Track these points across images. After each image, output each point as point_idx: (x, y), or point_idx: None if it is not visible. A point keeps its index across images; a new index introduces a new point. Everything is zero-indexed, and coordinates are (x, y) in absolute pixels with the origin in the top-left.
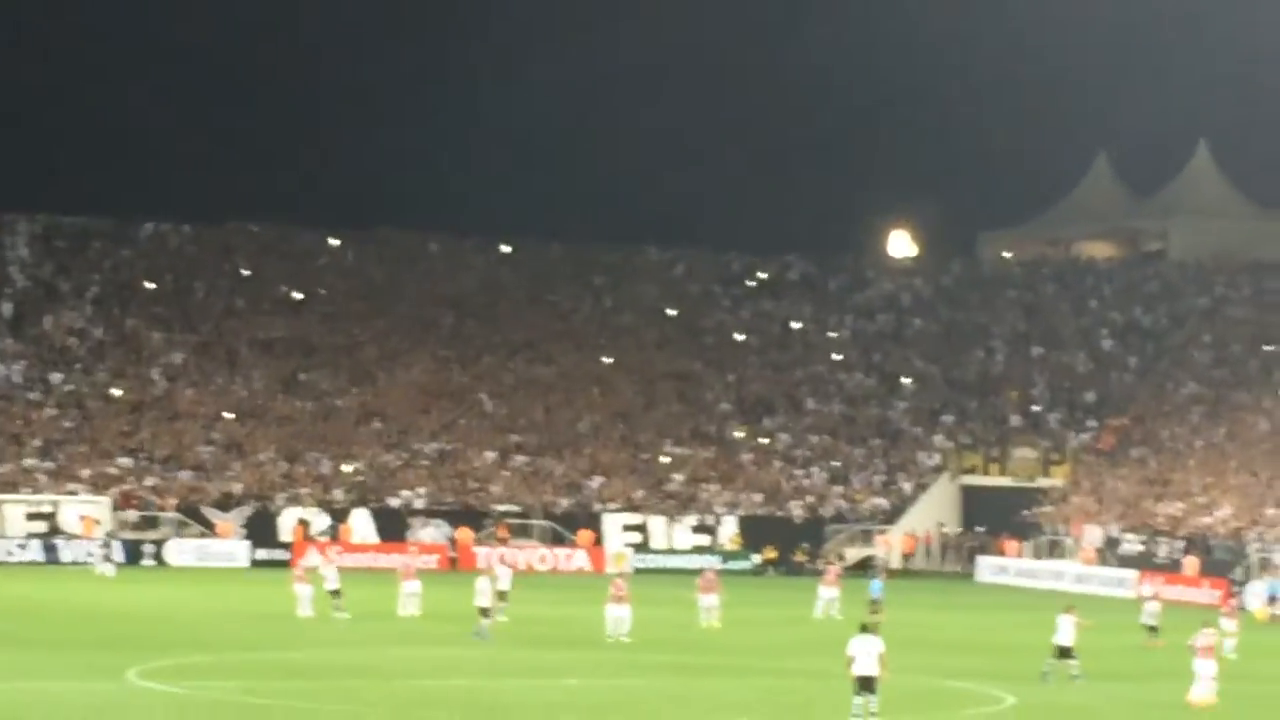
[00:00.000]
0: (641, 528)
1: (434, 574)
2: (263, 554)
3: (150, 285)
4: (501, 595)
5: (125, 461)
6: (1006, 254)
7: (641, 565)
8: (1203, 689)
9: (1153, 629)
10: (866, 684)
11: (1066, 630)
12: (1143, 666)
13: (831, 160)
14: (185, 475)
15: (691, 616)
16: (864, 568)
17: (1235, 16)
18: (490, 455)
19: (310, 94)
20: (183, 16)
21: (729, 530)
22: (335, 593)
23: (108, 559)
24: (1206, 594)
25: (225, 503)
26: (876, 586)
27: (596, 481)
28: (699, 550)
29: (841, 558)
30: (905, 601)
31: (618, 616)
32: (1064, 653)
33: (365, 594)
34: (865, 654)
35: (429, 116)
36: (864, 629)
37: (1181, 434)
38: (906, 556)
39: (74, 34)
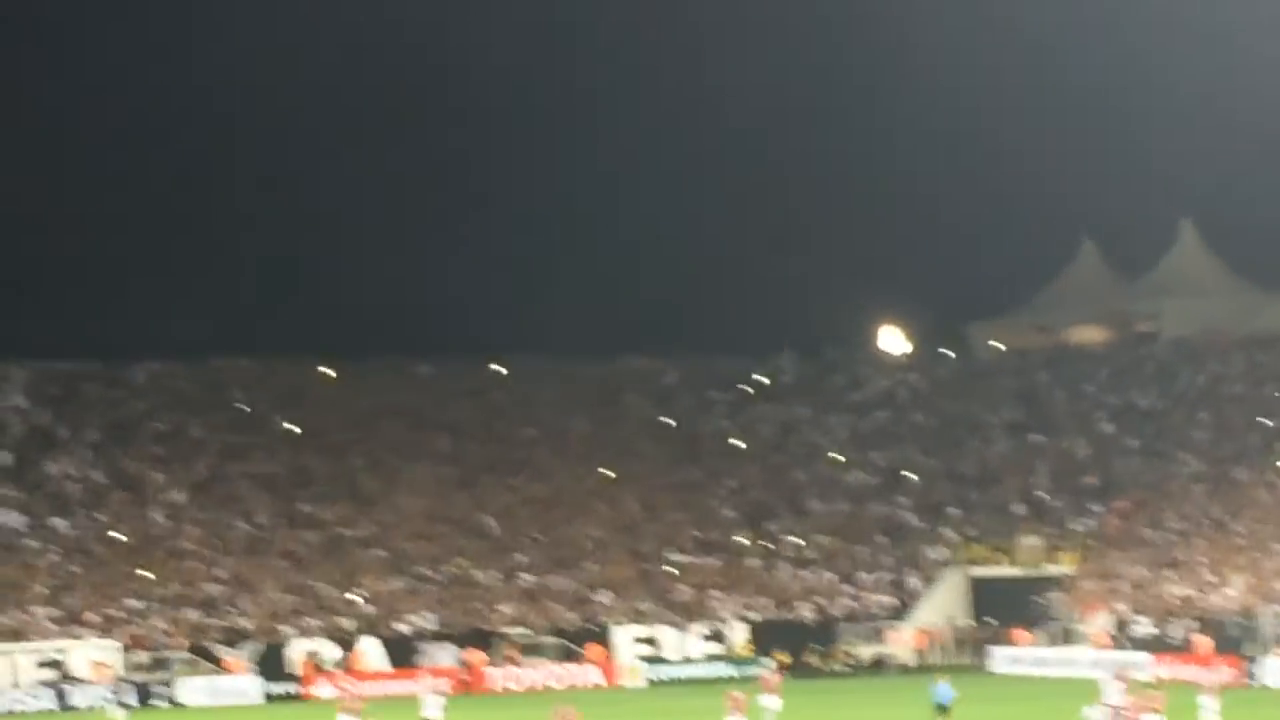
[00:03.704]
0: (651, 640)
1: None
2: (275, 688)
3: (148, 426)
4: None
5: (132, 603)
6: (996, 343)
7: (655, 677)
8: None
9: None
10: None
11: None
12: None
13: (815, 259)
14: (193, 614)
15: None
16: (878, 666)
17: (1212, 91)
18: (496, 575)
19: (285, 226)
20: (156, 157)
21: (740, 636)
22: None
23: (121, 703)
24: (1221, 674)
25: (234, 639)
26: (945, 691)
27: (604, 595)
28: (712, 658)
29: (855, 657)
30: (921, 698)
31: None
32: None
33: None
34: None
35: (406, 242)
36: None
37: (1187, 513)
38: (919, 652)
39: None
